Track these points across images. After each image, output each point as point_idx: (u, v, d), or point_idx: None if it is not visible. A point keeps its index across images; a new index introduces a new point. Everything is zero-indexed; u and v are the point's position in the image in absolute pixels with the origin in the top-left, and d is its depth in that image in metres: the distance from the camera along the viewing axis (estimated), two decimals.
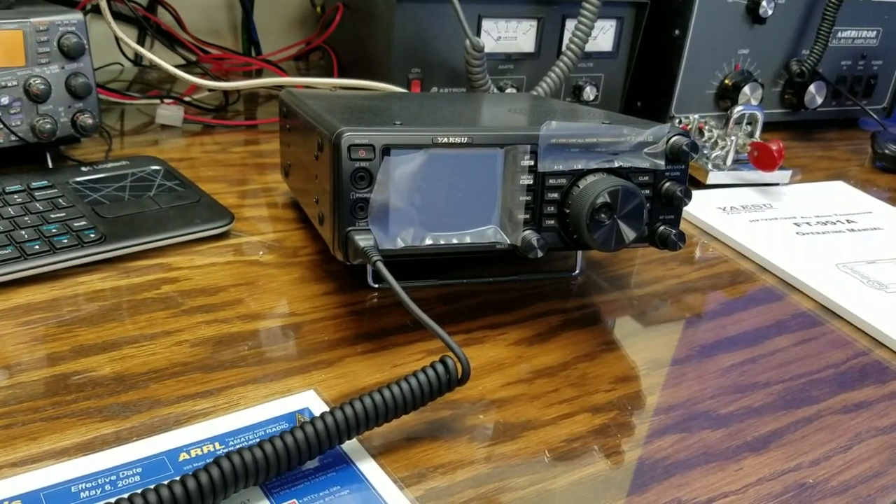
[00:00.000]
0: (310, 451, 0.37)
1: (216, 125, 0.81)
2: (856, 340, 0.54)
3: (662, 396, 0.46)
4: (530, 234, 0.47)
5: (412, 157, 0.45)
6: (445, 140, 0.45)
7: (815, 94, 0.94)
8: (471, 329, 0.50)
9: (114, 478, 0.36)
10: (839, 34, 0.95)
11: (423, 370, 0.40)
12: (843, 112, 1.01)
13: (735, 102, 0.89)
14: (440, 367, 0.40)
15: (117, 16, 0.92)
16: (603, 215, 0.46)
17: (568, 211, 0.47)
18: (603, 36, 0.85)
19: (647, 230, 0.49)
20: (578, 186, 0.47)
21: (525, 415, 0.43)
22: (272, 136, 0.81)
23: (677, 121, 0.82)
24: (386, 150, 0.44)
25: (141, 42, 0.96)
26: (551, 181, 0.47)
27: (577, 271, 0.58)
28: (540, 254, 0.47)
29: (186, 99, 0.83)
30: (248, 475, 0.35)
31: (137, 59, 0.96)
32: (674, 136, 0.49)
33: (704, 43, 0.87)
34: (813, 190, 0.78)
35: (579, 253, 0.58)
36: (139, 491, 0.32)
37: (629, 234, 0.47)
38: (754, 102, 0.89)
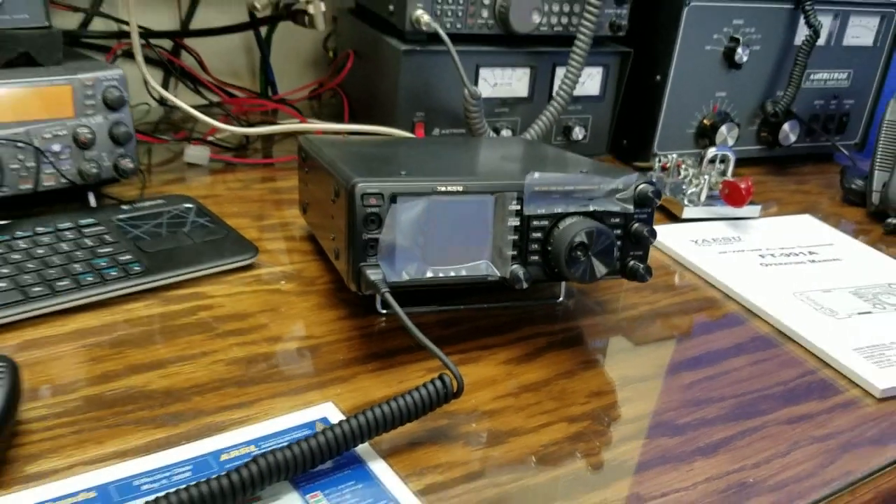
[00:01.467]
0: (329, 453, 0.44)
1: (237, 163, 0.89)
2: (805, 361, 0.61)
3: (630, 408, 0.53)
4: (517, 269, 0.54)
5: (415, 203, 0.52)
6: (444, 189, 0.53)
7: (789, 132, 1.02)
8: (466, 349, 0.57)
9: (168, 474, 0.43)
10: (812, 76, 1.03)
11: (424, 385, 0.47)
12: (818, 148, 1.08)
13: (713, 141, 0.97)
14: (438, 383, 0.47)
15: (144, 58, 1.01)
16: (579, 253, 0.54)
17: (550, 248, 0.55)
18: (591, 81, 0.94)
19: (618, 265, 0.57)
20: (559, 227, 0.55)
21: (511, 424, 0.50)
22: (287, 172, 0.89)
23: (658, 158, 0.89)
24: (393, 198, 0.52)
25: (165, 83, 1.04)
26: (535, 223, 0.55)
27: (560, 298, 0.65)
28: (525, 285, 0.54)
29: (210, 139, 0.91)
30: (280, 471, 0.42)
31: (163, 100, 1.04)
32: (641, 184, 0.56)
33: (684, 87, 0.95)
34: (781, 223, 0.86)
35: (563, 283, 0.66)
36: (192, 483, 0.40)
37: (601, 269, 0.55)
38: (731, 141, 0.97)
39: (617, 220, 0.56)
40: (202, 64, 1.02)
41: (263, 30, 1.04)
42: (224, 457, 0.45)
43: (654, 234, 0.57)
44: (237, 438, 0.46)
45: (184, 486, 0.40)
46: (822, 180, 1.03)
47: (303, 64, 1.15)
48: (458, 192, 0.53)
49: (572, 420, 0.51)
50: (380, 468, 0.45)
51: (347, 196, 0.52)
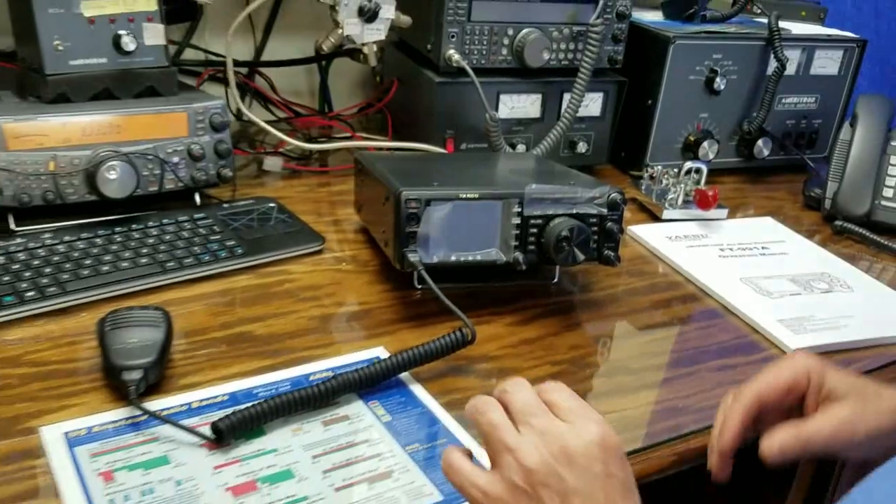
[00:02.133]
0: (381, 377, 0.65)
1: (302, 170, 1.10)
2: (740, 328, 0.80)
3: (599, 358, 0.73)
4: (518, 255, 0.74)
5: (444, 206, 0.73)
6: (464, 196, 0.73)
7: (763, 147, 1.20)
8: (479, 315, 0.77)
9: (275, 387, 0.64)
10: (784, 100, 1.21)
11: (448, 334, 0.67)
12: (791, 160, 1.26)
13: (697, 155, 1.15)
14: (458, 333, 0.68)
15: (222, 80, 1.22)
16: (563, 244, 0.74)
17: (542, 240, 0.75)
18: (593, 104, 1.12)
19: (595, 253, 0.77)
20: (549, 225, 0.74)
21: (510, 365, 0.70)
22: (341, 178, 1.09)
23: (646, 169, 1.08)
24: (428, 202, 0.72)
25: (241, 101, 1.26)
26: (532, 221, 0.74)
27: (555, 279, 0.85)
28: (524, 267, 0.74)
29: (280, 150, 1.12)
30: (349, 387, 0.63)
31: (238, 115, 1.25)
32: (612, 193, 0.76)
33: (671, 109, 1.14)
34: (744, 224, 1.04)
35: (557, 267, 0.85)
36: (293, 391, 0.60)
37: (580, 255, 0.74)
38: (711, 155, 1.16)
39: (594, 219, 0.76)
40: (273, 86, 1.24)
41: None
42: (312, 377, 0.65)
43: (622, 230, 0.76)
44: (319, 367, 0.67)
45: (287, 392, 0.60)
46: (790, 188, 1.20)
47: (353, 85, 1.35)
48: (474, 198, 0.73)
49: (555, 363, 0.71)
50: (417, 389, 0.66)
51: (395, 200, 0.72)
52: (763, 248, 0.97)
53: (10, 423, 0.57)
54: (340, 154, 1.18)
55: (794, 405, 0.60)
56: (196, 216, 0.86)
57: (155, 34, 0.86)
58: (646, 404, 0.67)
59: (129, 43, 0.84)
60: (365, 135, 1.18)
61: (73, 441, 0.56)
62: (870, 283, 0.91)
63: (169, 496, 0.52)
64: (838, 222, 1.05)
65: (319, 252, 0.87)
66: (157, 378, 0.62)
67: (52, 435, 0.56)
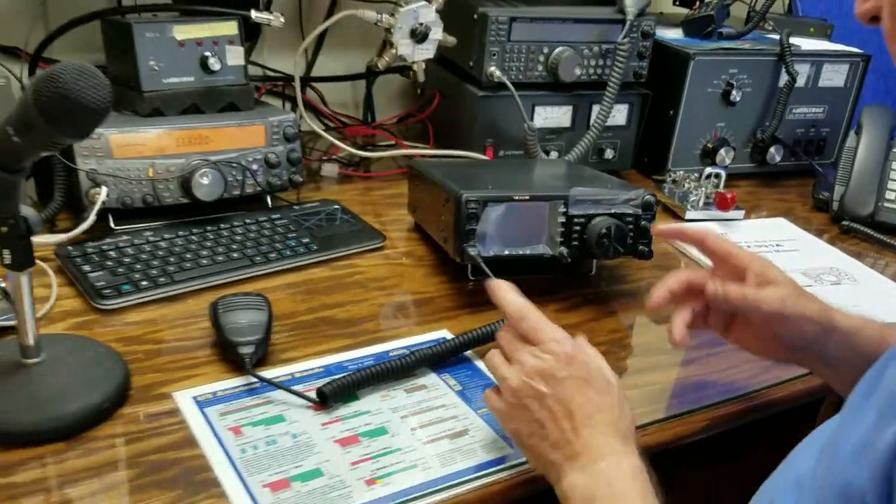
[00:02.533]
0: (451, 353, 0.75)
1: (354, 176, 1.21)
2: None
3: (634, 340, 0.83)
4: (563, 249, 0.85)
5: (499, 207, 0.83)
6: (517, 198, 0.84)
7: (775, 154, 1.30)
8: (535, 299, 0.88)
9: (360, 361, 0.74)
10: (794, 110, 1.32)
11: (503, 319, 0.78)
12: (800, 166, 1.36)
13: (714, 161, 1.26)
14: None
15: (277, 94, 1.33)
16: (604, 240, 0.84)
17: (585, 236, 0.85)
18: (619, 114, 1.23)
19: (631, 248, 0.87)
20: (591, 223, 0.85)
21: None
22: (388, 182, 1.19)
23: (670, 174, 1.19)
24: (485, 203, 0.83)
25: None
26: (575, 220, 0.85)
27: (592, 272, 0.96)
28: (569, 260, 0.85)
29: (334, 157, 1.23)
30: (423, 361, 0.74)
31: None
32: (646, 195, 0.86)
33: (691, 119, 1.25)
34: (759, 224, 1.15)
35: (595, 261, 0.96)
36: (377, 364, 0.71)
37: (619, 249, 0.85)
38: (728, 161, 1.26)
39: (630, 218, 0.87)
40: (323, 99, 1.35)
41: None
42: (391, 354, 0.76)
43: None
44: (395, 345, 0.78)
45: (373, 365, 0.71)
46: (801, 191, 1.30)
47: (392, 97, 1.46)
48: (526, 200, 0.84)
49: (597, 345, 0.79)
50: (480, 364, 0.76)
51: (456, 202, 0.83)
52: (777, 245, 1.08)
53: (145, 390, 0.68)
54: (384, 161, 1.29)
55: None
56: (273, 217, 0.97)
57: (236, 55, 0.97)
58: (679, 379, 0.77)
59: (214, 63, 0.96)
60: (409, 143, 1.28)
61: (202, 403, 0.67)
62: (874, 277, 1.01)
63: (288, 446, 0.63)
64: (845, 222, 1.16)
65: (381, 248, 0.98)
66: (264, 353, 0.73)
67: (184, 399, 0.67)
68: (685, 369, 0.79)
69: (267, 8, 1.19)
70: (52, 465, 0.59)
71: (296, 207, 1.01)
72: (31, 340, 0.64)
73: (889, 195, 1.17)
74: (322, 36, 1.35)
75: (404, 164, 1.22)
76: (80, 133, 0.53)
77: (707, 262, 0.99)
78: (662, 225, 0.82)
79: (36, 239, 0.79)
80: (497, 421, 0.63)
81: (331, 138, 1.15)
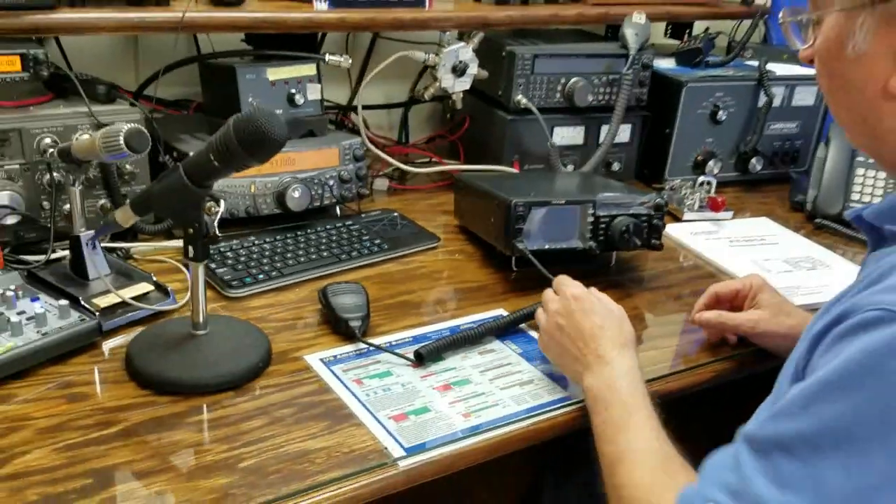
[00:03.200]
0: (511, 325, 0.96)
1: (399, 188, 1.41)
2: None
3: (650, 315, 1.04)
4: (592, 243, 1.06)
5: (541, 209, 1.04)
6: (556, 202, 1.04)
7: (756, 163, 1.52)
8: None
9: (439, 332, 0.94)
10: (772, 126, 1.53)
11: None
12: (778, 173, 1.58)
13: (704, 171, 1.47)
14: None
15: (332, 121, 1.52)
16: (625, 235, 1.05)
17: (609, 233, 1.06)
18: (624, 133, 1.44)
19: (646, 241, 1.08)
20: (614, 221, 1.06)
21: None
22: (430, 194, 1.39)
23: (668, 182, 1.40)
24: (530, 207, 1.03)
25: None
26: (601, 219, 1.06)
27: (612, 263, 1.16)
28: (597, 252, 1.06)
29: (381, 173, 1.43)
30: (490, 332, 0.94)
31: None
32: (657, 199, 1.07)
33: (684, 136, 1.46)
34: (745, 223, 1.36)
35: (614, 253, 1.16)
36: (452, 334, 0.91)
37: (637, 242, 1.06)
38: (716, 171, 1.47)
39: (645, 218, 1.08)
40: (366, 123, 1.55)
41: None
42: (461, 327, 0.96)
43: (664, 225, 1.08)
44: (463, 321, 0.98)
45: (453, 334, 0.91)
46: (779, 195, 1.52)
47: (421, 120, 1.67)
48: (562, 204, 1.05)
49: None
50: (534, 334, 0.96)
51: (506, 207, 1.03)
52: (762, 239, 1.29)
53: (282, 355, 0.88)
54: (420, 176, 1.49)
55: (740, 305, 0.96)
56: (347, 223, 1.17)
57: (314, 91, 1.18)
58: (688, 342, 0.98)
59: (298, 98, 1.16)
60: (446, 160, 1.49)
61: (328, 363, 0.87)
62: (843, 263, 1.23)
63: (400, 392, 0.83)
64: (818, 220, 1.37)
65: (437, 247, 1.18)
66: (366, 327, 0.93)
67: (314, 360, 0.87)
68: (693, 335, 0.99)
69: (320, 46, 1.40)
70: (230, 407, 0.79)
71: (363, 215, 1.22)
72: (201, 317, 0.83)
73: (854, 196, 1.39)
74: (363, 70, 1.56)
75: (437, 177, 1.43)
76: (264, 159, 0.73)
77: (704, 256, 1.21)
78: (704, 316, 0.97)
79: (169, 243, 1.00)
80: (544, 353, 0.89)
81: (387, 157, 1.35)
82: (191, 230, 0.78)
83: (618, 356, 0.79)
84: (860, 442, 0.54)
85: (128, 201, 0.81)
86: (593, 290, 0.88)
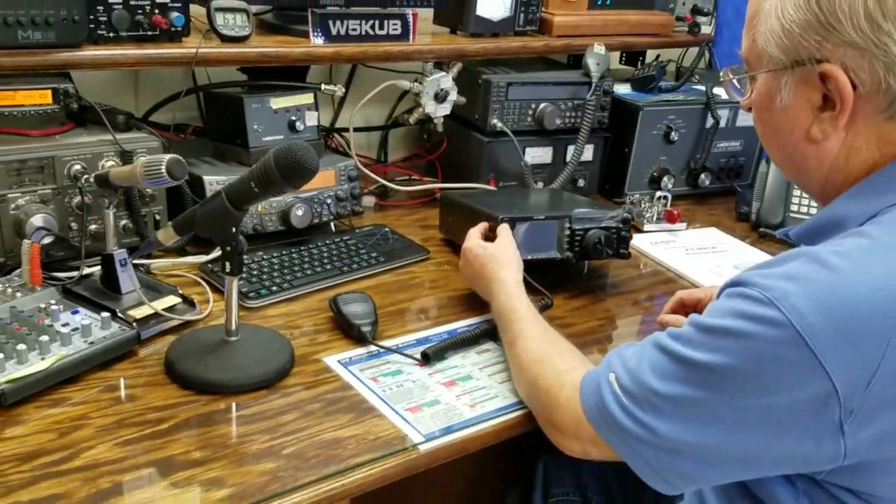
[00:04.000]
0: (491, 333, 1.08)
1: (385, 205, 1.52)
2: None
3: (621, 315, 1.18)
4: (568, 254, 1.19)
5: (524, 224, 1.16)
6: (537, 217, 1.17)
7: (705, 179, 1.68)
8: (548, 290, 1.21)
9: (439, 336, 1.06)
10: (718, 145, 1.70)
11: (539, 302, 1.11)
12: (725, 188, 1.75)
13: (659, 186, 1.63)
14: (546, 300, 1.11)
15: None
16: (598, 246, 1.18)
17: (583, 244, 1.19)
18: (588, 152, 1.58)
19: (616, 251, 1.22)
20: (587, 234, 1.19)
21: (571, 321, 1.14)
22: (414, 209, 1.51)
23: (628, 197, 1.55)
24: (514, 222, 1.16)
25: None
26: (577, 232, 1.19)
27: (585, 270, 1.30)
28: (573, 261, 1.19)
29: (367, 191, 1.54)
30: (487, 334, 1.06)
31: None
32: (624, 214, 1.21)
33: (641, 155, 1.61)
34: (697, 233, 1.52)
35: (587, 262, 1.30)
36: (451, 336, 1.03)
37: (608, 252, 1.19)
38: (670, 186, 1.63)
39: (614, 230, 1.21)
40: (349, 144, 1.66)
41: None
42: (458, 330, 1.08)
43: (631, 237, 1.22)
44: (460, 325, 1.09)
45: (454, 336, 1.03)
46: (726, 207, 1.69)
47: (398, 140, 1.79)
48: (542, 219, 1.18)
49: (598, 320, 1.15)
50: None
51: (493, 222, 1.16)
52: (713, 247, 1.45)
53: (303, 357, 0.98)
54: (400, 193, 1.60)
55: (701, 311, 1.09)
56: (344, 238, 1.28)
57: (312, 118, 1.29)
58: (628, 331, 1.12)
59: (299, 125, 1.26)
60: (427, 178, 1.61)
61: (345, 363, 0.97)
62: None
63: (411, 387, 0.94)
64: (761, 229, 1.54)
65: (427, 259, 1.30)
66: (376, 332, 1.04)
67: (332, 361, 0.98)
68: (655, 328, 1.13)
69: (305, 75, 1.50)
70: (265, 404, 0.89)
71: (356, 230, 1.33)
72: (234, 325, 0.93)
73: (793, 207, 1.55)
74: (344, 97, 1.66)
75: (417, 194, 1.55)
76: (299, 186, 0.84)
77: (664, 263, 1.36)
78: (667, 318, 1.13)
79: (186, 259, 1.09)
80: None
81: (375, 176, 1.46)
82: (228, 248, 0.88)
83: (499, 282, 1.03)
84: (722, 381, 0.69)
85: (170, 223, 0.90)
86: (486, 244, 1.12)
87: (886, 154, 0.74)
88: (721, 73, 0.89)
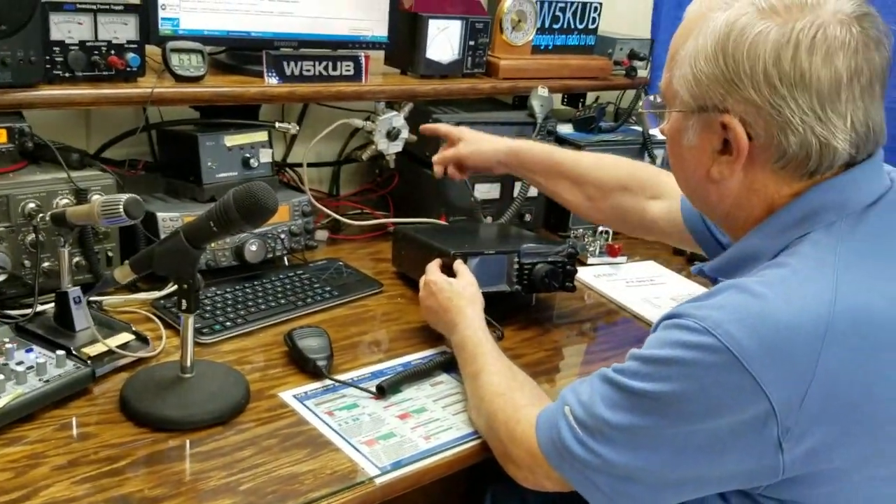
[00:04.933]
0: (453, 360, 1.11)
1: (338, 238, 1.55)
2: (641, 327, 1.32)
3: (567, 345, 1.22)
4: (517, 287, 1.23)
5: (476, 258, 1.21)
6: (487, 252, 1.22)
7: None
8: (498, 322, 1.25)
9: (393, 368, 1.09)
10: None
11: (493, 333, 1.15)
12: None
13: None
14: (498, 333, 1.15)
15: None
16: (545, 279, 1.23)
17: (532, 277, 1.24)
18: (534, 189, 1.64)
19: (562, 284, 1.27)
20: (535, 268, 1.24)
21: (521, 352, 1.18)
22: (366, 243, 1.54)
23: (572, 231, 1.61)
24: (466, 257, 1.20)
25: None
26: (525, 266, 1.24)
27: (532, 303, 1.34)
28: (523, 294, 1.23)
29: (319, 224, 1.56)
30: (440, 366, 1.09)
31: None
32: (570, 249, 1.27)
33: None
34: (637, 266, 1.59)
35: (535, 294, 1.34)
36: (406, 370, 1.06)
37: (555, 285, 1.24)
38: None
39: (560, 265, 1.27)
40: (300, 178, 1.68)
41: None
42: (412, 363, 1.11)
43: (576, 271, 1.27)
44: (413, 357, 1.12)
45: (408, 369, 1.06)
46: (662, 242, 1.76)
47: (351, 174, 1.82)
48: (493, 254, 1.22)
49: (546, 350, 1.20)
50: None
51: (446, 257, 1.20)
52: (651, 280, 1.52)
53: (259, 393, 1.00)
54: (352, 227, 1.63)
55: None
56: (298, 272, 1.30)
57: (266, 155, 1.31)
58: (599, 363, 1.16)
59: (253, 162, 1.29)
60: (379, 212, 1.64)
61: (300, 398, 0.99)
62: None
63: (367, 420, 0.97)
64: (696, 263, 1.61)
65: (380, 292, 1.33)
66: (331, 366, 1.06)
67: (288, 396, 0.99)
68: (600, 358, 1.18)
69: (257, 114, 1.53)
70: (222, 440, 0.90)
71: (309, 265, 1.35)
72: (189, 361, 0.94)
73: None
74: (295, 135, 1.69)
75: (369, 228, 1.58)
76: (258, 225, 0.87)
77: (607, 295, 1.42)
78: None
79: (138, 295, 1.10)
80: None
81: (328, 210, 1.49)
82: (185, 286, 0.90)
83: (469, 318, 1.07)
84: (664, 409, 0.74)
85: (127, 261, 0.91)
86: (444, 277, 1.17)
87: (784, 195, 0.79)
88: (641, 102, 0.95)
